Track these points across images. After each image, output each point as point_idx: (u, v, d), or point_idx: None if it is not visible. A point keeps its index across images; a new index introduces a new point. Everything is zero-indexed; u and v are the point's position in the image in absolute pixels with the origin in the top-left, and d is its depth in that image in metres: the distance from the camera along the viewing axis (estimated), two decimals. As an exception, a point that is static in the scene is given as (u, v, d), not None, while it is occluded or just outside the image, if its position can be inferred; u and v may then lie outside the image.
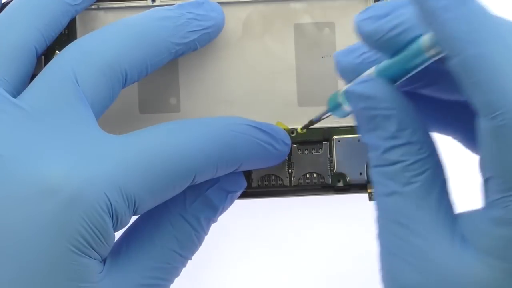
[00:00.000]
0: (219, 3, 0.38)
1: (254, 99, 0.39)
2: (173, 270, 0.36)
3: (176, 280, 0.36)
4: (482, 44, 0.28)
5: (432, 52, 0.30)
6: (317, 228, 0.51)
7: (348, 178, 0.39)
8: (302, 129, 0.38)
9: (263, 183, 0.39)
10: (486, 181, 0.29)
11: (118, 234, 0.36)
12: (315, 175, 0.39)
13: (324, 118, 0.37)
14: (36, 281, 0.32)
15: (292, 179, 0.39)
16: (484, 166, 0.29)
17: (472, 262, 0.29)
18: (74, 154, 0.33)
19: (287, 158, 0.39)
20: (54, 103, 0.33)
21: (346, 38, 0.39)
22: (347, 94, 0.32)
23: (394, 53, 0.31)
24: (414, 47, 0.30)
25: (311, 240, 0.51)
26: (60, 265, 0.32)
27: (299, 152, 0.39)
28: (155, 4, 0.39)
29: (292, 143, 0.39)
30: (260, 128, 0.36)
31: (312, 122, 0.37)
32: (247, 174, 0.39)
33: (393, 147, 0.31)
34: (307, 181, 0.39)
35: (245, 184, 0.38)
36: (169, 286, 0.36)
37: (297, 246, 0.51)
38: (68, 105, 0.34)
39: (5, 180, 0.32)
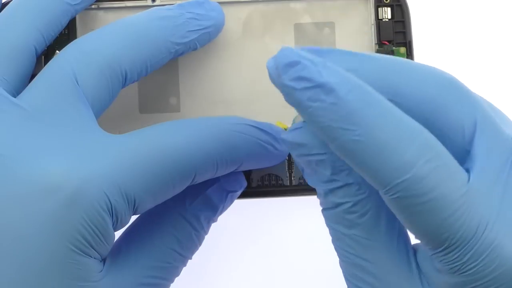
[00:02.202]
0: (219, 3, 0.38)
1: (254, 99, 0.39)
2: (173, 270, 0.36)
3: (177, 279, 0.36)
4: (353, 129, 0.28)
5: None
6: (317, 228, 0.51)
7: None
8: None
9: (263, 183, 0.39)
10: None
11: (118, 234, 0.36)
12: (315, 175, 0.39)
13: None
14: (36, 280, 0.32)
15: (292, 179, 0.39)
16: None
17: None
18: (74, 153, 0.33)
19: (287, 158, 0.39)
20: (53, 103, 0.33)
21: (346, 38, 0.39)
22: (283, 142, 0.32)
23: None
24: None
25: (311, 240, 0.51)
26: (60, 264, 0.32)
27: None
28: (155, 4, 0.39)
29: None
30: (260, 128, 0.36)
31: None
32: (247, 174, 0.39)
33: (332, 190, 0.31)
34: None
35: (245, 183, 0.38)
36: (169, 285, 0.36)
37: (297, 246, 0.51)
38: (68, 105, 0.34)
39: (5, 179, 0.32)
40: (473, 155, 0.30)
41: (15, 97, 0.34)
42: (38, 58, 0.36)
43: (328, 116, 0.28)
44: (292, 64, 0.28)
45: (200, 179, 0.35)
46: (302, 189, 0.39)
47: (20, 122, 0.33)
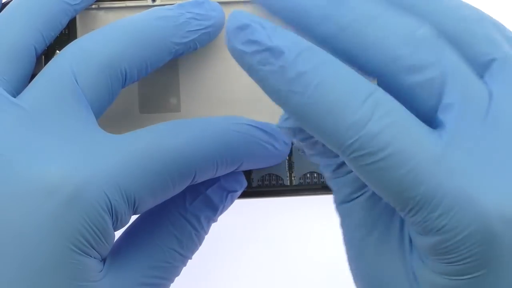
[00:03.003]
0: (219, 3, 0.38)
1: (254, 99, 0.39)
2: (173, 269, 0.36)
3: (177, 279, 0.36)
4: (302, 92, 0.28)
5: None
6: (317, 228, 0.51)
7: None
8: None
9: (263, 183, 0.39)
10: None
11: (118, 234, 0.36)
12: (315, 175, 0.39)
13: None
14: (36, 280, 0.32)
15: (292, 179, 0.39)
16: None
17: (420, 266, 0.29)
18: (73, 153, 0.33)
19: (287, 158, 0.39)
20: (53, 103, 0.33)
21: None
22: (280, 130, 0.32)
23: None
24: None
25: (311, 240, 0.51)
26: (60, 264, 0.32)
27: (300, 152, 0.39)
28: (155, 4, 0.39)
29: (293, 143, 0.39)
30: (261, 128, 0.36)
31: None
32: (247, 174, 0.39)
33: (341, 164, 0.31)
34: (307, 181, 0.39)
35: (245, 183, 0.38)
36: (169, 285, 0.36)
37: (297, 246, 0.51)
38: (67, 104, 0.34)
39: (5, 179, 0.32)
40: (443, 106, 0.28)
41: (15, 97, 0.34)
42: (38, 58, 0.36)
43: (278, 79, 0.28)
44: (242, 27, 0.28)
45: (200, 179, 0.35)
46: (302, 189, 0.39)
47: (20, 122, 0.33)
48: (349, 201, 0.31)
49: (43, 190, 0.32)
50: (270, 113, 0.39)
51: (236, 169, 0.36)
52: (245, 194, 0.38)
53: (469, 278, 0.28)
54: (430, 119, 0.29)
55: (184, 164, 0.34)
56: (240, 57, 0.28)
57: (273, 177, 0.39)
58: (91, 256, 0.33)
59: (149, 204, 0.34)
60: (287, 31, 0.28)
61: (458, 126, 0.28)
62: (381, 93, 0.28)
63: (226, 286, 0.51)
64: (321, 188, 0.39)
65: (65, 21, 0.37)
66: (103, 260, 0.34)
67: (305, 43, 0.28)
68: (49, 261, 0.32)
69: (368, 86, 0.28)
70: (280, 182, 0.39)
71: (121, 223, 0.33)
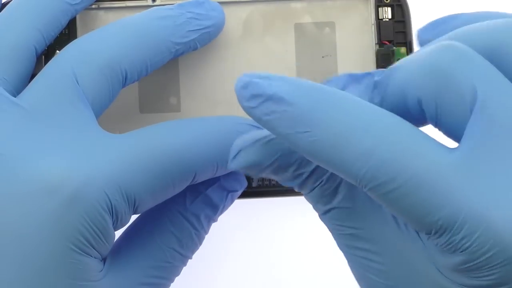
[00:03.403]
0: (219, 2, 0.38)
1: (254, 99, 0.39)
2: (173, 269, 0.36)
3: (177, 279, 0.36)
4: (308, 131, 0.28)
5: None
6: (317, 228, 0.51)
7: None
8: None
9: (263, 183, 0.39)
10: None
11: (118, 234, 0.36)
12: (315, 175, 0.39)
13: None
14: (36, 280, 0.32)
15: (293, 179, 0.39)
16: None
17: (425, 255, 0.29)
18: (73, 153, 0.33)
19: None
20: (53, 102, 0.33)
21: (346, 38, 0.39)
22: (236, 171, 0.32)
23: None
24: None
25: (311, 240, 0.51)
26: (61, 264, 0.32)
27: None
28: (155, 4, 0.39)
29: None
30: (259, 127, 0.36)
31: None
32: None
33: (303, 181, 0.31)
34: (307, 181, 0.39)
35: (245, 183, 0.38)
36: (169, 285, 0.36)
37: (296, 246, 0.51)
38: (68, 104, 0.34)
39: (5, 179, 0.32)
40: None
41: (15, 96, 0.34)
42: (39, 58, 0.36)
43: (284, 124, 0.28)
44: (245, 86, 0.29)
45: (200, 179, 0.35)
46: (302, 189, 0.39)
47: (20, 122, 0.33)
48: (326, 214, 0.31)
49: (44, 190, 0.32)
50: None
51: None
52: (245, 194, 0.38)
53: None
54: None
55: (185, 164, 0.34)
56: (250, 114, 0.29)
57: (273, 177, 0.39)
58: (91, 256, 0.33)
59: (149, 203, 0.34)
60: (288, 77, 0.29)
61: (475, 145, 0.28)
62: (388, 119, 0.28)
63: (226, 286, 0.51)
64: (321, 188, 0.39)
65: (65, 21, 0.37)
66: (103, 260, 0.34)
67: (304, 83, 0.29)
68: (50, 261, 0.32)
69: (373, 113, 0.28)
70: (280, 182, 0.39)
71: (121, 223, 0.33)
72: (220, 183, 0.37)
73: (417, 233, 0.30)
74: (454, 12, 0.35)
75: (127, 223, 0.34)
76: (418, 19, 0.39)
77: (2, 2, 0.38)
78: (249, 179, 0.39)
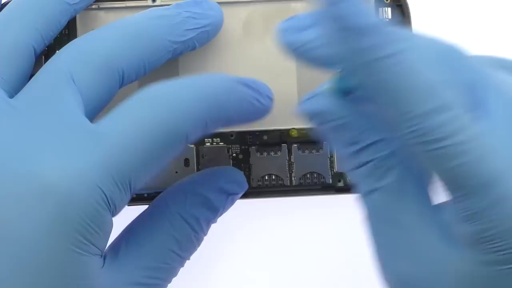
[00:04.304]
0: (219, 3, 0.38)
1: (254, 99, 0.39)
2: (171, 270, 0.36)
3: (174, 280, 0.36)
4: (382, 71, 0.28)
5: None
6: (317, 228, 0.51)
7: (348, 178, 0.39)
8: None
9: (263, 183, 0.39)
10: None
11: (118, 232, 0.36)
12: (315, 175, 0.39)
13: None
14: (34, 280, 0.32)
15: (292, 179, 0.39)
16: None
17: (454, 253, 0.30)
18: (64, 152, 0.32)
19: (287, 158, 0.39)
20: (47, 102, 0.33)
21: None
22: (301, 114, 0.32)
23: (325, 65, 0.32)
24: None
25: (311, 240, 0.51)
26: (60, 264, 0.32)
27: (299, 152, 0.39)
28: (155, 4, 0.39)
29: (292, 143, 0.39)
30: (246, 83, 0.36)
31: None
32: (247, 174, 0.39)
33: (359, 150, 0.31)
34: (307, 181, 0.39)
35: (246, 186, 0.38)
36: (166, 285, 0.36)
37: (297, 246, 0.51)
38: (60, 103, 0.33)
39: (1, 179, 0.32)
40: (487, 105, 0.29)
41: (12, 96, 0.34)
42: (38, 58, 0.36)
43: (359, 57, 0.28)
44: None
45: (192, 138, 0.34)
46: (302, 189, 0.39)
47: (14, 122, 0.33)
48: (373, 191, 0.31)
49: (37, 190, 0.32)
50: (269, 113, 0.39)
51: (224, 124, 0.35)
52: (245, 194, 0.38)
53: (508, 268, 0.28)
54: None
55: (175, 129, 0.33)
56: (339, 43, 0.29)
57: (273, 177, 0.39)
58: (91, 254, 0.33)
59: (146, 179, 0.34)
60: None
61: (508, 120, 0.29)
62: (451, 92, 0.29)
63: (225, 286, 0.51)
64: (321, 188, 0.39)
65: (64, 21, 0.37)
66: (103, 257, 0.34)
67: (391, 24, 0.29)
68: (49, 261, 0.32)
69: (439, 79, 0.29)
70: (280, 182, 0.39)
71: (119, 208, 0.33)
72: (221, 186, 0.37)
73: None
74: (454, 12, 0.35)
75: (125, 205, 0.34)
76: (418, 19, 0.39)
77: (2, 2, 0.38)
78: (249, 179, 0.39)
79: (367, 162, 0.31)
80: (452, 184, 0.29)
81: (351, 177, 0.32)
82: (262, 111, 0.37)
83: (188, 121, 0.34)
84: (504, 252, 0.28)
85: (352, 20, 0.28)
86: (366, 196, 0.32)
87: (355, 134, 0.31)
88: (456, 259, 0.30)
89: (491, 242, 0.28)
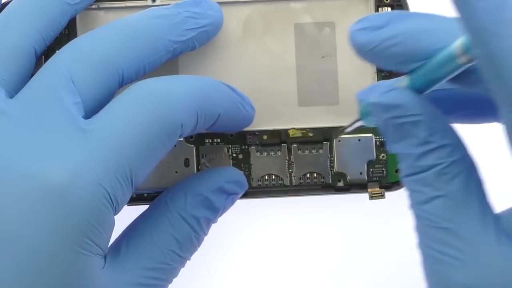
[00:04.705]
0: (219, 3, 0.38)
1: (254, 99, 0.39)
2: (172, 271, 0.36)
3: (175, 280, 0.36)
4: (508, 38, 0.27)
5: (464, 59, 0.29)
6: (317, 228, 0.51)
7: (348, 178, 0.39)
8: (336, 137, 0.39)
9: (263, 183, 0.39)
10: None
11: (118, 234, 0.36)
12: (315, 175, 0.39)
13: (356, 127, 0.36)
14: (37, 280, 0.32)
15: (292, 179, 0.39)
16: None
17: None
18: (65, 151, 0.32)
19: (287, 158, 0.39)
20: (45, 102, 0.33)
21: (346, 38, 0.39)
22: (373, 106, 0.31)
23: (398, 65, 0.31)
24: (445, 54, 0.30)
25: (311, 239, 0.51)
26: (63, 264, 0.32)
27: (299, 152, 0.39)
28: (155, 4, 0.39)
29: (292, 143, 0.39)
30: (232, 87, 0.37)
31: (343, 131, 0.37)
32: (247, 174, 0.39)
33: (426, 152, 0.30)
34: (307, 181, 0.39)
35: (246, 186, 0.38)
36: (167, 286, 0.36)
37: (297, 246, 0.51)
38: (58, 103, 0.33)
39: (1, 179, 0.32)
40: None
41: (13, 97, 0.34)
42: (39, 59, 0.36)
43: (489, 18, 0.26)
44: None
45: (186, 130, 0.34)
46: (302, 189, 0.39)
47: (14, 122, 0.33)
48: (436, 198, 0.30)
49: (38, 190, 0.32)
50: (269, 113, 0.39)
51: (213, 124, 0.36)
52: (245, 194, 0.39)
53: None
54: None
55: (170, 120, 0.34)
56: None
57: (273, 177, 0.39)
58: (93, 253, 0.33)
59: (146, 172, 0.34)
60: None
61: None
62: None
63: (225, 286, 0.51)
64: (320, 188, 0.39)
65: (65, 21, 0.37)
66: (104, 257, 0.34)
67: None
68: (51, 261, 0.32)
69: None
70: (280, 182, 0.39)
71: (122, 204, 0.33)
72: (221, 186, 0.37)
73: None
74: (453, 12, 0.35)
75: (127, 201, 0.34)
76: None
77: (2, 2, 0.38)
78: (249, 179, 0.39)
79: (434, 166, 0.30)
80: None
81: (407, 183, 0.31)
82: (246, 117, 0.38)
83: (182, 110, 0.34)
84: None
85: None
86: (425, 204, 0.30)
87: (428, 134, 0.30)
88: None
89: None
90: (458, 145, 0.30)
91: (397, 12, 0.31)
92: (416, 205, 0.31)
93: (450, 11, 0.35)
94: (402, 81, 0.31)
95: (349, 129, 0.36)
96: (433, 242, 0.30)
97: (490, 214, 0.30)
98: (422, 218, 0.31)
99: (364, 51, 0.31)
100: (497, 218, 0.30)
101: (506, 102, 0.27)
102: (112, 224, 0.33)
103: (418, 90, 0.31)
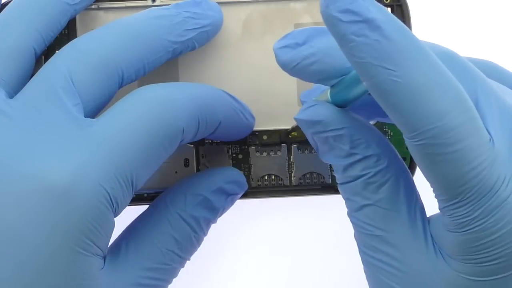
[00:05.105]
0: (219, 3, 0.38)
1: (254, 99, 0.39)
2: (171, 271, 0.36)
3: (175, 280, 0.36)
4: (393, 69, 0.28)
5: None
6: (317, 228, 0.51)
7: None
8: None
9: (263, 183, 0.39)
10: (433, 190, 0.30)
11: (118, 233, 0.36)
12: (315, 175, 0.39)
13: None
14: (36, 280, 0.32)
15: (292, 179, 0.39)
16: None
17: (443, 267, 0.30)
18: (65, 151, 0.32)
19: (287, 158, 0.39)
20: (45, 102, 0.33)
21: None
22: (297, 122, 0.33)
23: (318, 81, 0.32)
24: (353, 75, 0.31)
25: (311, 239, 0.51)
26: (62, 264, 0.32)
27: (299, 152, 0.39)
28: (155, 4, 0.39)
29: (292, 143, 0.39)
30: (232, 96, 0.37)
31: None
32: (247, 174, 0.39)
33: (351, 164, 0.31)
34: (307, 181, 0.39)
35: (246, 186, 0.38)
36: (167, 286, 0.36)
37: (296, 246, 0.51)
38: (58, 103, 0.33)
39: (0, 179, 0.32)
40: (484, 120, 0.30)
41: (13, 97, 0.34)
42: (38, 59, 0.36)
43: (370, 53, 0.28)
44: None
45: (187, 136, 0.35)
46: (302, 189, 0.39)
47: (14, 122, 0.33)
48: (365, 206, 0.32)
49: (39, 190, 0.32)
50: (269, 113, 0.39)
51: (213, 132, 0.36)
52: (245, 194, 0.39)
53: (491, 280, 0.29)
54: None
55: (171, 125, 0.34)
56: (333, 25, 0.28)
57: (273, 177, 0.39)
58: (93, 254, 0.33)
59: (146, 176, 0.34)
60: (386, 10, 0.29)
61: (506, 135, 0.30)
62: (461, 88, 0.29)
63: (225, 286, 0.51)
64: (320, 188, 0.39)
65: (64, 21, 0.37)
66: (104, 258, 0.34)
67: (400, 22, 0.28)
68: (51, 261, 0.32)
69: (452, 77, 0.29)
70: (280, 182, 0.39)
71: (122, 206, 0.33)
72: (220, 186, 0.37)
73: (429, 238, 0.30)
74: (454, 12, 0.35)
75: (127, 204, 0.34)
76: (418, 19, 0.39)
77: (2, 2, 0.38)
78: (249, 179, 0.39)
79: (360, 176, 0.31)
80: (451, 192, 0.29)
81: (342, 191, 0.32)
82: (246, 125, 0.38)
83: (183, 116, 0.34)
84: (492, 262, 0.29)
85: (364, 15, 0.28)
86: (357, 212, 0.32)
87: (351, 146, 0.31)
88: (446, 273, 0.30)
89: (484, 251, 0.29)
90: (384, 154, 0.31)
91: (315, 28, 0.32)
92: (351, 212, 0.32)
93: (449, 11, 0.35)
94: (326, 94, 0.32)
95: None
96: (369, 250, 0.32)
97: (420, 220, 0.31)
98: (357, 226, 0.32)
99: (288, 69, 0.32)
100: (428, 223, 0.31)
101: (401, 127, 0.29)
102: (112, 225, 0.33)
103: (340, 104, 0.31)
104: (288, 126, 0.39)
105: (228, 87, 0.39)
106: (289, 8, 0.39)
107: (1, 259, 0.32)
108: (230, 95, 0.37)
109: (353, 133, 0.31)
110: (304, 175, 0.39)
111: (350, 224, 0.33)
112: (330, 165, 0.39)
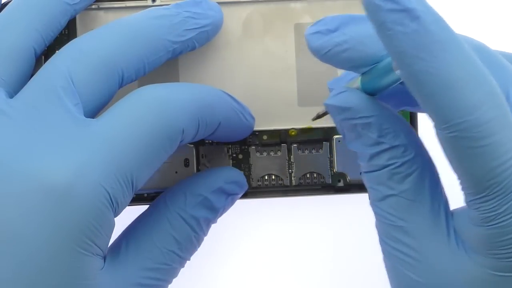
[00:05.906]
0: (219, 3, 0.38)
1: (254, 99, 0.39)
2: (171, 271, 0.36)
3: (175, 280, 0.36)
4: (429, 60, 0.28)
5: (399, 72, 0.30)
6: (317, 228, 0.51)
7: (348, 178, 0.39)
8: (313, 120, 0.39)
9: (263, 183, 0.39)
10: (460, 183, 0.30)
11: (118, 233, 0.36)
12: (315, 175, 0.39)
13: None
14: (36, 280, 0.32)
15: (292, 179, 0.39)
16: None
17: (465, 260, 0.30)
18: (66, 151, 0.32)
19: (287, 158, 0.39)
20: (45, 101, 0.33)
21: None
22: (327, 107, 0.33)
23: (349, 68, 0.32)
24: (386, 63, 0.31)
25: (310, 240, 0.51)
26: (63, 264, 0.32)
27: (299, 152, 0.39)
28: (155, 4, 0.39)
29: (292, 143, 0.39)
30: (233, 97, 0.37)
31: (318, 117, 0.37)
32: (247, 174, 0.39)
33: (378, 153, 0.31)
34: (307, 181, 0.39)
35: (246, 187, 0.38)
36: (167, 286, 0.36)
37: (296, 246, 0.51)
38: (58, 103, 0.33)
39: (0, 179, 0.32)
40: None
41: (13, 97, 0.34)
42: (38, 58, 0.36)
43: (408, 42, 0.28)
44: None
45: (187, 136, 0.35)
46: (302, 189, 0.39)
47: (14, 122, 0.33)
48: (389, 196, 0.31)
49: (39, 190, 0.32)
50: (269, 113, 0.39)
51: (213, 133, 0.36)
52: (245, 194, 0.39)
53: None
54: None
55: (172, 125, 0.34)
56: (374, 12, 0.28)
57: (273, 177, 0.39)
58: (93, 254, 0.33)
59: (147, 176, 0.34)
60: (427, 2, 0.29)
61: None
62: (494, 82, 0.29)
63: (225, 286, 0.51)
64: (320, 188, 0.39)
65: (64, 21, 0.37)
66: (104, 258, 0.34)
67: (439, 15, 0.29)
68: (51, 261, 0.32)
69: (486, 71, 0.29)
70: (280, 182, 0.39)
71: (122, 206, 0.33)
72: (220, 186, 0.37)
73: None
74: (453, 12, 0.35)
75: (127, 204, 0.34)
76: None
77: (2, 2, 0.38)
78: (249, 179, 0.39)
79: (387, 166, 0.31)
80: (479, 185, 0.29)
81: (365, 180, 0.32)
82: (246, 126, 0.38)
83: (183, 116, 0.34)
84: None
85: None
86: (380, 201, 0.32)
87: (379, 135, 0.31)
88: (467, 267, 0.30)
89: (508, 247, 0.29)
90: (411, 145, 0.31)
91: (347, 15, 0.32)
92: (374, 202, 0.32)
93: (450, 12, 0.35)
94: (356, 81, 0.32)
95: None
96: (389, 240, 0.32)
97: (443, 213, 0.31)
98: (379, 216, 0.32)
99: (320, 55, 0.32)
100: (451, 217, 0.31)
101: (433, 118, 0.29)
102: (112, 225, 0.33)
103: (369, 92, 0.31)
104: (288, 126, 0.39)
105: (228, 87, 0.39)
106: (289, 8, 0.39)
107: (2, 259, 0.32)
108: (230, 95, 0.37)
109: (382, 122, 0.31)
110: (304, 175, 0.39)
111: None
112: (330, 165, 0.39)
